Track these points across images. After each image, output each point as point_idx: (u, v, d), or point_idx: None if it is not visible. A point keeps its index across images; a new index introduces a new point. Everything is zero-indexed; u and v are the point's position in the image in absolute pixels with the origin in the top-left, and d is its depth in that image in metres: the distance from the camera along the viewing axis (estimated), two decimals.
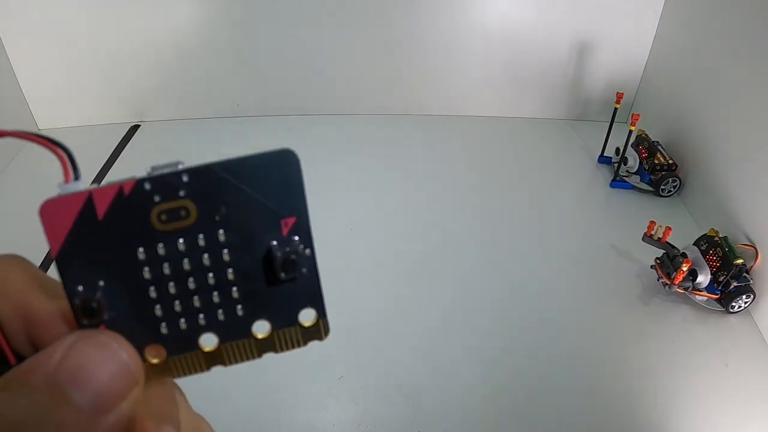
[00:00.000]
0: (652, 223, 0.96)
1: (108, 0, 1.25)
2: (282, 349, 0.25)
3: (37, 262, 1.10)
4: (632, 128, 1.15)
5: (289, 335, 0.25)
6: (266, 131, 1.39)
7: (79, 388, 0.18)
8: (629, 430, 0.78)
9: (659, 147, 1.20)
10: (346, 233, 1.09)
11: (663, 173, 1.17)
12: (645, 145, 1.20)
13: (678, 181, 1.18)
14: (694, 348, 0.88)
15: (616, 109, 1.21)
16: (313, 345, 0.91)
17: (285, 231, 0.23)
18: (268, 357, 0.82)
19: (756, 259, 0.92)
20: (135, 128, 1.40)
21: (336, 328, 0.96)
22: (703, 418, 0.79)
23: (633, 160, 1.20)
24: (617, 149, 1.22)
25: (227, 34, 1.34)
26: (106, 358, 0.20)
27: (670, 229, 0.95)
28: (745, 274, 0.92)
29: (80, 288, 0.21)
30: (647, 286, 0.98)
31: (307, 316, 0.25)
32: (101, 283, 0.21)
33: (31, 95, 1.34)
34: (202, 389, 0.88)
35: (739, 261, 0.89)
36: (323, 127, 1.41)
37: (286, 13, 1.31)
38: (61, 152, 0.22)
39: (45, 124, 1.38)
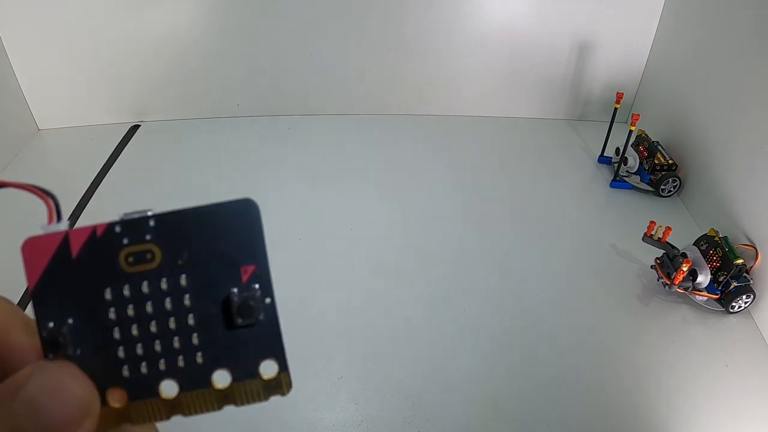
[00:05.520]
0: (652, 223, 0.96)
1: (108, 1, 1.25)
2: (243, 403, 0.25)
3: None
4: (632, 128, 1.15)
5: (250, 388, 0.25)
6: (266, 131, 1.39)
7: (31, 416, 0.19)
8: (629, 430, 0.78)
9: (659, 147, 1.20)
10: (346, 233, 1.09)
11: (663, 173, 1.17)
12: (645, 145, 1.20)
13: (678, 181, 1.17)
14: (694, 348, 0.88)
15: (616, 109, 1.21)
16: (313, 345, 0.92)
17: (245, 278, 0.24)
18: None
19: (756, 259, 0.92)
20: (135, 128, 1.40)
21: (336, 328, 0.97)
22: (702, 418, 0.79)
23: (633, 160, 1.20)
24: (617, 149, 1.23)
25: (227, 34, 1.34)
26: (58, 389, 0.20)
27: (670, 229, 0.95)
28: (745, 274, 0.92)
29: (51, 323, 0.22)
30: (647, 286, 0.98)
31: (268, 369, 0.25)
32: (70, 320, 0.22)
33: (31, 95, 1.33)
34: None
35: (739, 261, 0.89)
36: (323, 127, 1.41)
37: (287, 14, 1.31)
38: (48, 199, 0.24)
39: (45, 124, 1.38)
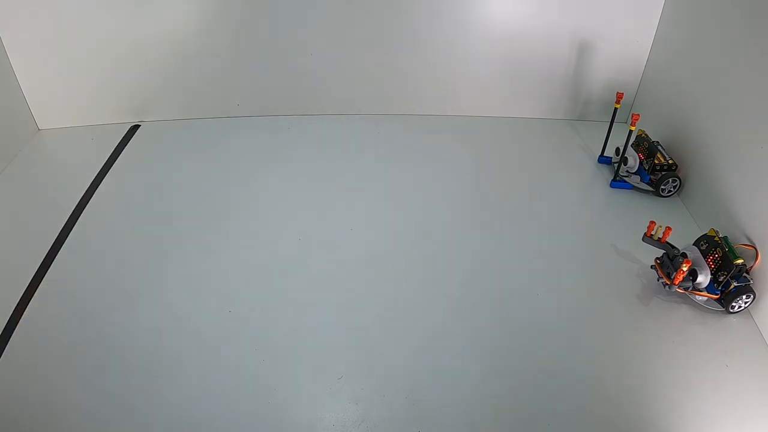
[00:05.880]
0: (652, 223, 0.96)
1: (108, 1, 1.25)
2: None
3: (36, 261, 1.09)
4: (632, 128, 1.14)
5: None
6: (266, 131, 1.39)
7: None
8: (629, 430, 0.78)
9: (659, 147, 1.20)
10: (346, 233, 1.09)
11: (663, 173, 1.17)
12: (645, 145, 1.20)
13: (678, 181, 1.17)
14: (694, 348, 0.88)
15: (616, 109, 1.20)
16: (314, 345, 0.92)
17: None
18: (268, 357, 0.84)
19: (756, 260, 0.92)
20: (135, 128, 1.40)
21: (336, 328, 0.98)
22: (702, 418, 0.79)
23: (633, 160, 1.20)
24: (617, 149, 1.22)
25: (227, 35, 1.34)
26: None
27: (670, 229, 0.94)
28: (745, 275, 0.91)
29: None
30: (647, 286, 0.98)
31: None
32: None
33: (31, 95, 1.33)
34: (204, 390, 0.88)
35: (739, 261, 0.89)
36: (323, 127, 1.41)
37: (286, 14, 1.30)
38: None
39: (45, 124, 1.38)
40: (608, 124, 1.25)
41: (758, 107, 0.96)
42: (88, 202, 1.15)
